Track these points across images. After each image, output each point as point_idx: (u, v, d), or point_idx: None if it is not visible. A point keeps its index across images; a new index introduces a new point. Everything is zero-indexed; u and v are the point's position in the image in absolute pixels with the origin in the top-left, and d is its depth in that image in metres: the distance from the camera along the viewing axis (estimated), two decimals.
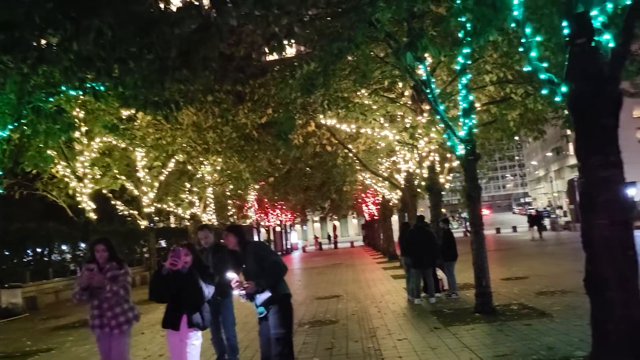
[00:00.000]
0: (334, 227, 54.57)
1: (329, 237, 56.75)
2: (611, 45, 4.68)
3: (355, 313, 10.29)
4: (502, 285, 11.69)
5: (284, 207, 40.70)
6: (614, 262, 4.61)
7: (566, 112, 8.12)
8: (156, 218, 25.28)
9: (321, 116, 13.34)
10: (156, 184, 17.78)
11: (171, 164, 17.42)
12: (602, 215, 4.62)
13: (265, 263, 4.87)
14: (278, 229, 45.47)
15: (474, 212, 9.00)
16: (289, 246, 50.42)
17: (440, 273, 11.51)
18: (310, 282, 18.17)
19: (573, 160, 69.69)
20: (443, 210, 14.31)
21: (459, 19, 7.08)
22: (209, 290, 4.85)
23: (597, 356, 4.75)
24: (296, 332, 7.97)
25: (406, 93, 12.76)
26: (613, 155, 4.65)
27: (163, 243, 30.61)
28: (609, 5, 4.73)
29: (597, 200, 4.65)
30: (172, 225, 35.45)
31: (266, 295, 4.86)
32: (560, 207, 65.05)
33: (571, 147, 66.15)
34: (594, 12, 4.68)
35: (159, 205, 19.06)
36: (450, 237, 11.27)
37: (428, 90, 9.03)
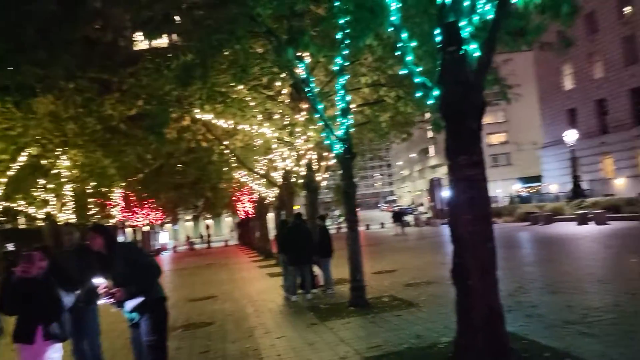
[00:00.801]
0: (207, 226, 53.23)
1: (201, 237, 55.22)
2: (477, 54, 5.09)
3: (232, 313, 10.08)
4: (374, 278, 12.24)
5: (153, 206, 38.68)
6: (476, 254, 5.02)
7: (436, 115, 8.72)
8: (3, 218, 22.47)
9: (197, 110, 12.86)
10: (3, 180, 15.76)
11: (22, 158, 15.55)
12: (467, 210, 5.00)
13: (137, 266, 4.49)
14: (146, 228, 43.12)
15: (349, 208, 9.29)
16: (158, 247, 48.11)
17: (316, 269, 11.73)
18: (182, 283, 17.45)
19: (434, 161, 75.94)
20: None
21: (338, 21, 7.24)
22: (69, 299, 4.36)
23: (461, 340, 5.13)
24: (169, 337, 7.55)
25: (284, 91, 12.81)
26: (476, 155, 5.05)
27: (11, 246, 27.31)
28: (476, 18, 5.14)
29: (463, 197, 5.03)
30: (23, 226, 31.79)
31: (138, 300, 4.48)
32: (422, 205, 70.41)
33: (432, 149, 71.89)
34: (463, 23, 5.05)
35: (6, 204, 16.93)
36: (327, 234, 11.52)
37: (307, 89, 9.13)
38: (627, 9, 36.24)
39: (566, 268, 11.10)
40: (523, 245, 17.70)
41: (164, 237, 54.14)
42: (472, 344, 4.99)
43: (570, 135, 31.87)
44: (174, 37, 11.21)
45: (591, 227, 21.29)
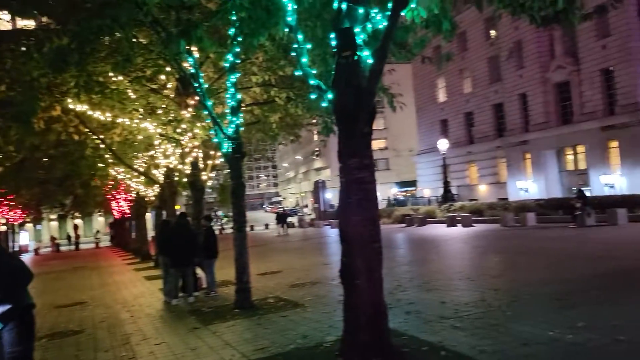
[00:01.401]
0: (76, 227, 49.13)
1: (69, 238, 50.84)
2: (369, 61, 5.25)
3: (104, 320, 9.36)
4: (259, 280, 12.15)
5: (12, 203, 34.74)
6: (364, 254, 5.17)
7: (326, 119, 8.88)
8: None
9: (70, 100, 11.79)
10: None
11: None
12: (357, 212, 5.14)
13: (2, 270, 3.94)
14: (3, 228, 38.63)
15: (238, 209, 9.11)
16: (17, 248, 43.35)
17: (199, 271, 11.34)
18: (46, 288, 15.86)
19: (319, 164, 77.72)
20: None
21: (231, 17, 7.06)
22: None
23: (347, 338, 5.25)
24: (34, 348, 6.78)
25: (170, 85, 12.24)
26: (367, 158, 5.21)
27: None
28: (369, 26, 5.31)
29: (353, 198, 5.15)
30: None
31: (3, 308, 3.93)
32: (307, 206, 71.64)
33: (318, 152, 73.30)
34: (357, 30, 5.19)
35: None
36: (212, 234, 11.20)
37: (196, 85, 8.81)
38: (493, 33, 40.16)
39: (439, 267, 11.94)
40: (400, 246, 18.74)
41: (24, 238, 48.95)
42: (358, 342, 5.13)
43: (443, 144, 34.49)
44: (46, 19, 10.18)
45: (459, 229, 23.21)
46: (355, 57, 5.15)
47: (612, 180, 29.86)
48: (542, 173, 35.20)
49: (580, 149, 33.36)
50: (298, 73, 5.80)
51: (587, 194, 21.42)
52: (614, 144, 30.39)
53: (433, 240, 19.24)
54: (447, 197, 33.25)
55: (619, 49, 29.49)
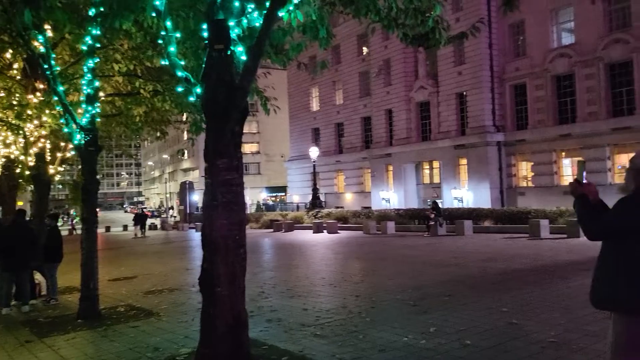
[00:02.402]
0: None
1: None
2: (244, 58, 4.99)
3: None
4: (110, 286, 11.14)
5: None
6: (227, 260, 4.86)
7: (196, 116, 8.36)
8: None
9: None
10: None
11: None
12: (223, 215, 4.82)
13: None
14: None
15: (88, 207, 8.20)
16: None
17: (38, 276, 10.05)
18: None
19: (188, 164, 74.97)
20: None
21: None
22: None
23: (204, 350, 4.89)
24: None
25: (16, 65, 10.78)
26: (236, 159, 4.93)
27: None
28: (245, 21, 5.05)
29: (219, 201, 4.83)
30: None
31: None
32: (172, 208, 68.56)
33: (187, 152, 70.66)
34: (232, 23, 4.90)
35: None
36: (57, 235, 10.00)
37: (46, 66, 7.79)
38: (365, 50, 42.20)
39: (304, 272, 11.99)
40: (266, 251, 18.61)
41: None
42: (214, 354, 4.80)
43: (313, 152, 35.27)
44: None
45: (325, 235, 23.77)
46: (229, 52, 4.86)
47: (460, 194, 32.92)
48: (402, 185, 37.66)
49: (436, 164, 36.33)
50: (164, 62, 5.32)
51: (440, 206, 23.26)
52: (464, 161, 33.56)
53: (299, 246, 19.42)
54: (315, 203, 34.02)
55: (471, 76, 32.71)
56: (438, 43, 6.45)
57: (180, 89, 5.31)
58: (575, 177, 3.39)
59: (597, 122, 27.40)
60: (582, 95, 28.36)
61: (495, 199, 31.19)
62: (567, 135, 28.84)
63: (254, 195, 57.09)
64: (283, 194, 56.16)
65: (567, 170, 30.03)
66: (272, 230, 29.47)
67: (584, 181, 3.34)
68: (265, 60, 7.81)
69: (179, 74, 5.16)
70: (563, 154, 29.91)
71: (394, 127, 38.86)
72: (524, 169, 32.10)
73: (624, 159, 27.46)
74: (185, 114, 10.50)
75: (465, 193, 32.77)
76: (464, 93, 33.55)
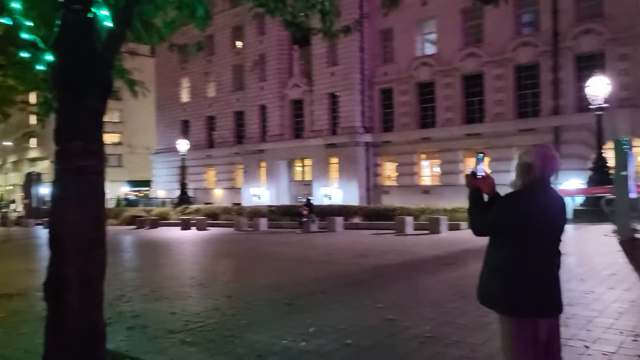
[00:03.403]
0: None
1: None
2: (108, 24, 4.24)
3: None
4: None
5: None
6: (79, 262, 4.10)
7: (46, 93, 7.16)
8: None
9: None
10: None
11: None
12: (76, 209, 4.04)
13: None
14: None
15: None
16: None
17: None
18: None
19: (34, 154, 67.23)
20: None
21: None
22: None
23: None
24: None
25: None
26: (95, 143, 4.16)
27: None
28: None
29: (71, 192, 4.04)
30: None
31: None
32: (15, 202, 61.11)
33: (34, 140, 63.52)
34: None
35: None
36: None
37: None
38: (239, 43, 41.32)
39: (170, 272, 11.14)
40: (128, 250, 17.16)
41: None
42: None
43: (182, 145, 33.63)
44: None
45: (193, 232, 22.69)
46: (90, 15, 4.09)
47: (330, 192, 33.77)
48: (275, 181, 37.61)
49: (308, 162, 36.86)
50: (3, 21, 4.34)
51: (311, 202, 23.51)
52: (335, 160, 34.48)
53: (165, 244, 18.24)
54: (183, 199, 32.50)
55: (343, 78, 33.71)
56: (327, 33, 6.24)
57: (25, 55, 4.37)
58: (472, 169, 3.31)
59: (453, 127, 29.85)
60: (441, 102, 30.70)
61: (363, 197, 32.50)
62: (428, 139, 31.02)
63: (114, 190, 53.06)
64: (147, 188, 52.94)
65: (426, 171, 32.34)
66: (134, 226, 27.47)
67: (481, 174, 3.27)
68: (132, 39, 6.99)
69: (25, 36, 4.24)
70: (424, 156, 32.12)
71: (268, 123, 38.65)
72: (389, 169, 33.89)
73: (473, 163, 30.29)
74: (33, 92, 9.07)
75: (334, 191, 33.68)
76: (336, 93, 34.46)
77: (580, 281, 7.96)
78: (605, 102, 17.98)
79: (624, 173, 12.33)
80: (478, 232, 3.23)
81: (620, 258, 9.98)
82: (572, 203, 19.62)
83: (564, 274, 8.82)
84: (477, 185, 3.26)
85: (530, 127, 26.80)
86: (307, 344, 5.36)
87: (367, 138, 33.35)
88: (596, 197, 16.69)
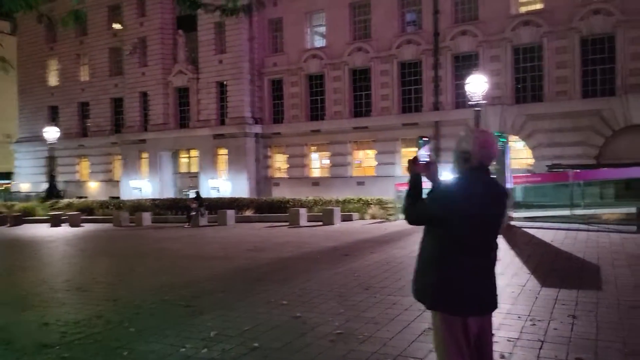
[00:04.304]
0: None
1: None
2: None
3: None
4: None
5: None
6: None
7: None
8: None
9: None
10: None
11: None
12: None
13: None
14: None
15: None
16: None
17: None
18: None
19: None
20: None
21: None
22: None
23: None
24: None
25: None
26: None
27: None
28: None
29: None
30: None
31: None
32: None
33: None
34: None
35: None
36: None
37: None
38: (117, 25, 38.24)
39: (40, 276, 9.77)
40: None
41: None
42: None
43: (50, 133, 30.37)
44: None
45: (66, 229, 20.52)
46: None
47: (218, 184, 32.69)
48: (158, 173, 35.52)
49: (194, 153, 35.33)
50: None
51: (200, 195, 22.46)
52: (223, 151, 33.42)
53: (32, 243, 16.20)
54: (52, 193, 29.44)
55: (232, 66, 32.70)
56: (227, 11, 5.69)
57: None
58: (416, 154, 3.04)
59: (342, 120, 30.36)
60: (330, 95, 31.05)
61: (252, 189, 31.90)
62: (318, 131, 31.24)
63: None
64: (8, 181, 47.31)
65: (316, 163, 32.60)
66: None
67: (424, 159, 3.02)
68: None
69: None
70: (314, 148, 32.33)
71: (150, 112, 36.31)
72: (279, 161, 33.64)
73: (361, 155, 31.16)
74: None
75: (223, 183, 32.67)
76: (225, 82, 33.36)
77: None
78: (479, 100, 19.30)
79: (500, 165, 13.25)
80: (411, 221, 2.99)
81: (501, 244, 10.64)
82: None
83: None
84: (418, 171, 3.00)
85: (413, 122, 28.10)
86: (210, 350, 4.83)
87: (257, 129, 32.75)
88: None
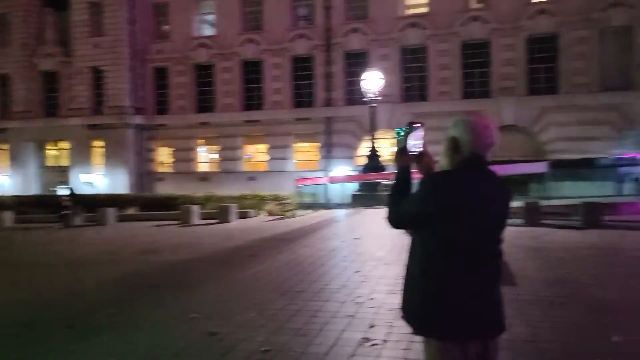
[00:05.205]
0: None
1: None
2: None
3: None
4: None
5: None
6: None
7: None
8: None
9: None
10: None
11: None
12: None
13: None
14: None
15: None
16: None
17: None
18: None
19: None
20: None
21: None
22: None
23: None
24: None
25: None
26: None
27: None
28: None
29: None
30: None
31: None
32: None
33: None
34: None
35: None
36: None
37: None
38: None
39: None
40: None
41: None
42: None
43: None
44: None
45: None
46: None
47: (93, 179, 29.83)
48: (20, 167, 31.53)
49: (65, 145, 31.89)
50: None
51: (75, 192, 20.10)
52: (99, 143, 30.55)
53: None
54: None
55: (110, 51, 29.95)
56: None
57: None
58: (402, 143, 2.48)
59: (232, 113, 29.26)
60: (220, 86, 29.75)
61: (133, 185, 29.58)
62: (206, 124, 29.79)
63: None
64: None
65: (204, 157, 31.13)
66: None
67: (417, 149, 2.48)
68: None
69: None
70: (202, 141, 30.80)
71: (12, 98, 32.02)
72: (164, 155, 31.59)
73: (252, 150, 30.35)
74: None
75: (98, 178, 29.86)
76: (101, 68, 30.46)
77: (386, 265, 8.03)
78: (374, 96, 19.62)
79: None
80: (395, 224, 2.43)
81: (407, 240, 10.61)
82: (342, 190, 21.03)
83: (372, 261, 8.75)
84: (408, 163, 2.46)
85: (306, 117, 27.93)
86: None
87: (139, 120, 30.40)
88: (372, 183, 18.03)
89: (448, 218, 2.21)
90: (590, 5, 23.70)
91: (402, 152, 2.44)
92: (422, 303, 2.26)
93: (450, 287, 2.22)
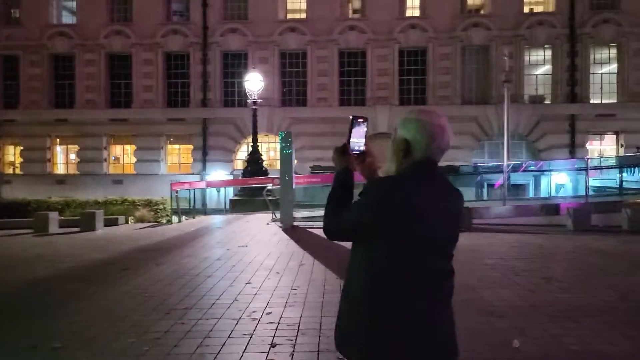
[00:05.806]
0: None
1: None
2: None
3: None
4: None
5: None
6: None
7: None
8: None
9: None
10: None
11: None
12: None
13: None
14: None
15: None
16: None
17: None
18: None
19: None
20: None
21: None
22: None
23: None
24: None
25: None
26: None
27: None
28: None
29: None
30: None
31: None
32: None
33: None
34: None
35: None
36: None
37: None
38: None
39: None
40: None
41: None
42: None
43: None
44: None
45: None
46: None
47: None
48: None
49: None
50: None
51: None
52: None
53: None
54: None
55: None
56: None
57: None
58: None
59: (96, 110, 26.74)
60: (82, 80, 27.04)
61: None
62: (65, 121, 26.84)
63: None
64: None
65: (61, 157, 28.05)
66: None
67: (359, 149, 2.07)
68: None
69: None
70: (59, 140, 27.70)
71: None
72: (12, 154, 27.85)
73: (119, 150, 28.02)
74: None
75: None
76: None
77: (277, 274, 7.60)
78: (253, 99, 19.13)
79: (287, 165, 13.05)
80: (332, 235, 2.02)
81: (295, 246, 10.29)
82: (218, 195, 20.23)
83: (263, 271, 8.21)
84: (350, 164, 2.05)
85: (180, 117, 26.50)
86: None
87: None
88: (251, 188, 17.46)
89: (395, 229, 1.84)
90: (454, 23, 25.69)
91: (342, 150, 2.03)
92: (367, 332, 1.86)
93: (398, 312, 1.85)
